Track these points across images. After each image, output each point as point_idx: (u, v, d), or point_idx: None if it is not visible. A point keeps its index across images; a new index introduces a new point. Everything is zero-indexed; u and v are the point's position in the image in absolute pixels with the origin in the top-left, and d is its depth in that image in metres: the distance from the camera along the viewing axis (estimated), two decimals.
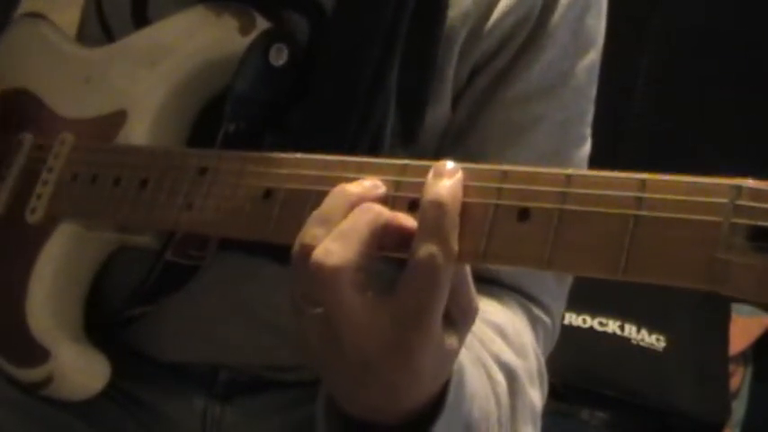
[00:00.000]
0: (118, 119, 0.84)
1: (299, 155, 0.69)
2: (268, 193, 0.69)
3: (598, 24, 0.88)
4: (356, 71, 0.80)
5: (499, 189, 0.58)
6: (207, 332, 0.90)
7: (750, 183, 0.48)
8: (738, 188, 0.48)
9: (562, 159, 0.86)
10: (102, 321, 0.85)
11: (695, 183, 0.50)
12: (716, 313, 2.08)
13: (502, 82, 0.85)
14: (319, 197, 0.63)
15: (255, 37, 0.80)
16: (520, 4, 0.84)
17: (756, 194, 0.48)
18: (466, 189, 0.58)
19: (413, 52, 0.81)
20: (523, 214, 0.56)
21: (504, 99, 0.85)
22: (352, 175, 0.64)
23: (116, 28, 0.90)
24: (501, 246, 0.57)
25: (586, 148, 0.89)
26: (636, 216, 0.51)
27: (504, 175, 0.58)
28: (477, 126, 0.85)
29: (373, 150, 0.80)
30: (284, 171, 0.68)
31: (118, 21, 0.90)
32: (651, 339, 2.01)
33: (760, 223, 0.47)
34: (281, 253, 0.82)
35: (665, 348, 2.01)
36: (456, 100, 0.85)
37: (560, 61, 0.86)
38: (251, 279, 0.87)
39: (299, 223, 0.65)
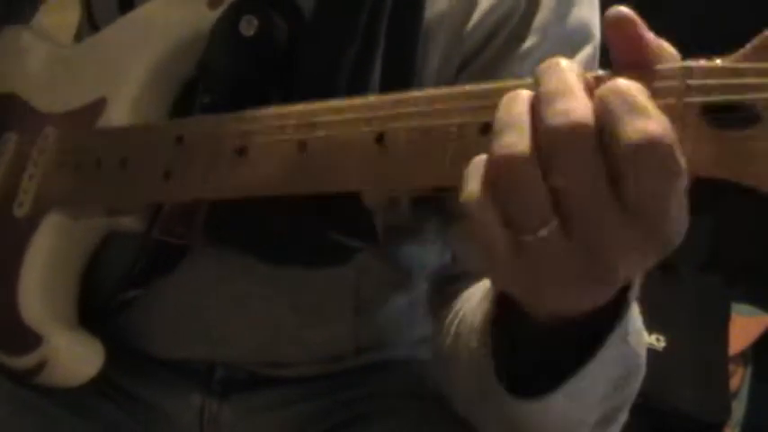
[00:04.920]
0: (98, 107, 0.84)
1: (272, 109, 0.69)
2: (242, 151, 0.69)
3: (592, 17, 0.86)
4: (336, 72, 0.80)
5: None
6: (203, 328, 0.90)
7: (701, 62, 0.49)
8: (689, 69, 0.49)
9: None
10: (95, 307, 0.86)
11: (648, 71, 0.50)
12: (716, 313, 2.07)
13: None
14: (292, 146, 0.64)
15: (224, 10, 0.80)
16: (501, 3, 0.84)
17: (707, 72, 0.48)
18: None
19: (392, 52, 0.81)
20: None
21: None
22: (324, 119, 0.65)
23: (104, 23, 0.90)
24: None
25: None
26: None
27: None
28: None
29: None
30: (257, 126, 0.69)
31: (105, 16, 0.90)
32: (651, 339, 2.00)
33: (711, 98, 0.47)
34: (271, 253, 0.82)
35: (665, 348, 2.00)
36: None
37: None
38: (247, 274, 0.87)
39: (275, 175, 0.66)
